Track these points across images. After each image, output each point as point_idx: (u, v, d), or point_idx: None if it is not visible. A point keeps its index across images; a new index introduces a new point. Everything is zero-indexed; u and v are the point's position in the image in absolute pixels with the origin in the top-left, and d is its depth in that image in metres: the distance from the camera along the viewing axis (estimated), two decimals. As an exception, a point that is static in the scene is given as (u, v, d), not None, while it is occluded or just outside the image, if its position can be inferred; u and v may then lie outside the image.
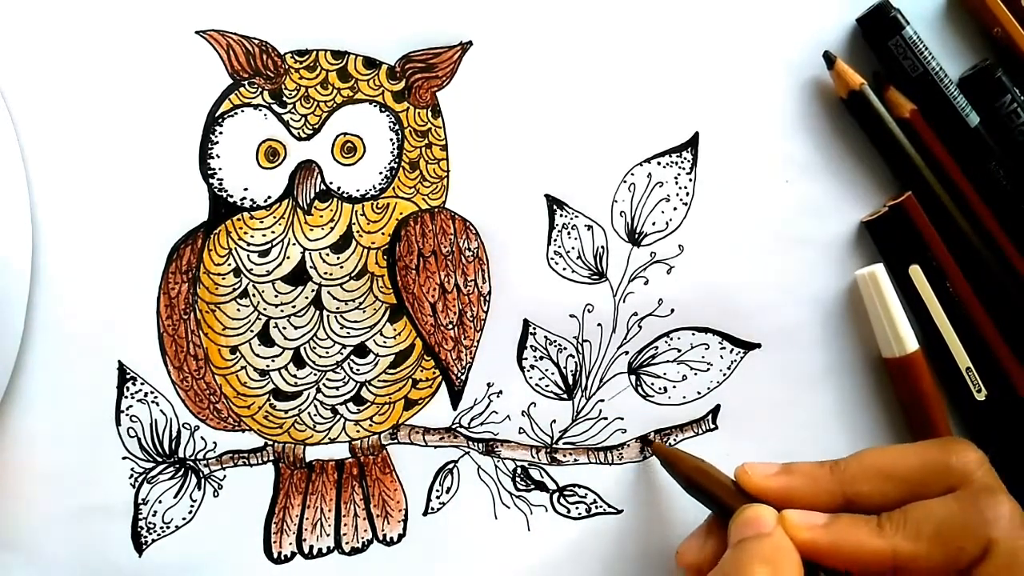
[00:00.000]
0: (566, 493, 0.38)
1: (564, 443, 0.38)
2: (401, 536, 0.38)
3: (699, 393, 0.38)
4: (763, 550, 0.31)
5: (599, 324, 0.38)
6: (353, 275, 0.37)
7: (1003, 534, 0.30)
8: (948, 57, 0.37)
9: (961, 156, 0.37)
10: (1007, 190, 0.37)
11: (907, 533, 0.31)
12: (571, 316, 0.38)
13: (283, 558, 0.37)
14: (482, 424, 0.38)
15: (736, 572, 0.30)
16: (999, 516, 0.30)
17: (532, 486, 0.38)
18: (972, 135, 0.37)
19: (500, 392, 0.38)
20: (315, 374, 0.37)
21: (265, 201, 0.37)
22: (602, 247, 0.38)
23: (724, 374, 0.38)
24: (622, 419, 0.38)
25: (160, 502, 0.37)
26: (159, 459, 0.37)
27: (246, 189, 0.37)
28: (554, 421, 0.38)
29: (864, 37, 0.37)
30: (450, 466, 0.38)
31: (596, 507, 0.38)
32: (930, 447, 0.33)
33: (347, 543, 0.38)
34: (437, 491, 0.38)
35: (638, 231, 0.38)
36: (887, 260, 0.38)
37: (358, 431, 0.38)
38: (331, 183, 0.37)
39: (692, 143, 0.38)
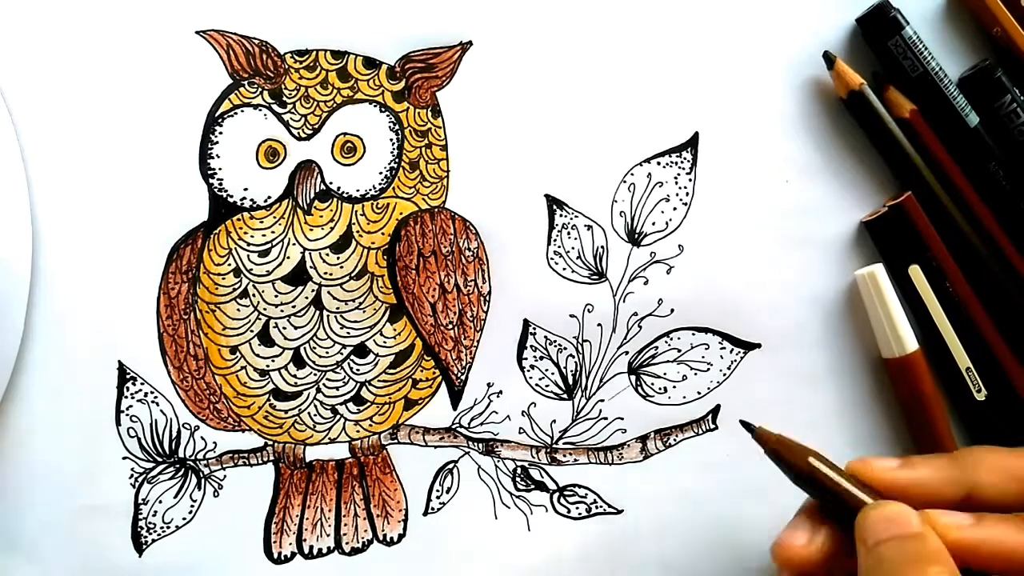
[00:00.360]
0: (566, 493, 0.38)
1: (564, 443, 0.38)
2: (401, 536, 0.38)
3: (699, 393, 0.38)
4: (923, 551, 0.29)
5: (599, 324, 0.38)
6: (353, 275, 0.37)
7: None
8: (948, 57, 0.37)
9: (961, 156, 0.37)
10: (1007, 190, 0.37)
11: None
12: (571, 316, 0.38)
13: (283, 558, 0.37)
14: (482, 424, 0.38)
15: (895, 570, 0.28)
16: None
17: (532, 486, 0.38)
18: (972, 135, 0.37)
19: (500, 392, 0.38)
20: (315, 374, 0.37)
21: (265, 201, 0.37)
22: (602, 247, 0.38)
23: (724, 374, 0.38)
24: (622, 419, 0.38)
25: (160, 502, 0.37)
26: (159, 459, 0.37)
27: (246, 189, 0.37)
28: (554, 421, 0.38)
29: (863, 37, 0.37)
30: (450, 466, 0.38)
31: (596, 507, 0.38)
32: None
33: (347, 543, 0.38)
34: (437, 491, 0.38)
35: (638, 231, 0.38)
36: (887, 260, 0.38)
37: (358, 431, 0.38)
38: (331, 183, 0.37)
39: (692, 143, 0.38)
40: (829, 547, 0.31)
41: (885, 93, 0.37)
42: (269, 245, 0.37)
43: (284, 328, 0.37)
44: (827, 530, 0.31)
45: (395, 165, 0.37)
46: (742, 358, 0.38)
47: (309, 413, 0.37)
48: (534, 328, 0.37)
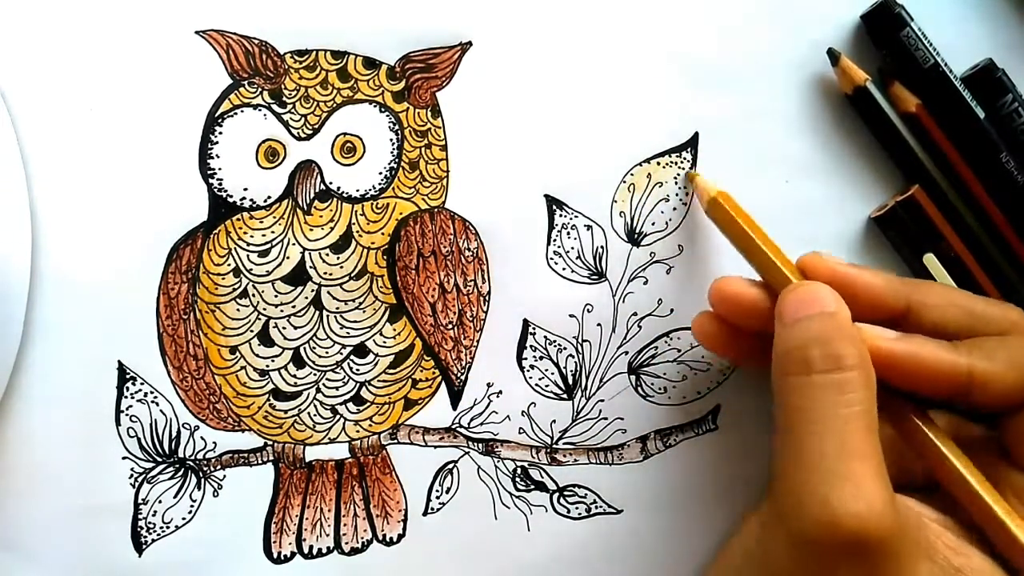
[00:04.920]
0: (566, 493, 0.38)
1: (564, 443, 0.38)
2: (401, 536, 0.38)
3: (699, 393, 0.38)
4: (831, 329, 0.29)
5: (599, 324, 0.38)
6: (353, 275, 0.37)
7: None
8: (948, 57, 0.37)
9: (970, 150, 0.37)
10: (1018, 183, 0.37)
11: (982, 355, 0.30)
12: (571, 316, 0.38)
13: (283, 558, 0.37)
14: (482, 424, 0.38)
15: (804, 350, 0.29)
16: None
17: (532, 486, 0.38)
18: (982, 127, 0.37)
19: (500, 392, 0.38)
20: (315, 374, 0.37)
21: (265, 201, 0.37)
22: (602, 247, 0.38)
23: (724, 374, 0.38)
24: (622, 419, 0.38)
25: (160, 502, 0.37)
26: (159, 459, 0.37)
27: (246, 189, 0.37)
28: (554, 421, 0.38)
29: (868, 33, 0.37)
30: (450, 466, 0.38)
31: (596, 507, 0.38)
32: (988, 299, 0.33)
33: (347, 543, 0.38)
34: (437, 491, 0.38)
35: (638, 231, 0.38)
36: (900, 253, 0.38)
37: (358, 431, 0.38)
38: (331, 183, 0.37)
39: (692, 143, 0.38)
40: (764, 303, 0.32)
41: (890, 89, 0.37)
42: (269, 245, 0.37)
43: (284, 328, 0.37)
44: (766, 292, 0.32)
45: (395, 165, 0.37)
46: (742, 358, 0.38)
47: (309, 413, 0.37)
48: (534, 328, 0.37)
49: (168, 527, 0.37)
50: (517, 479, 0.38)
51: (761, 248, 0.33)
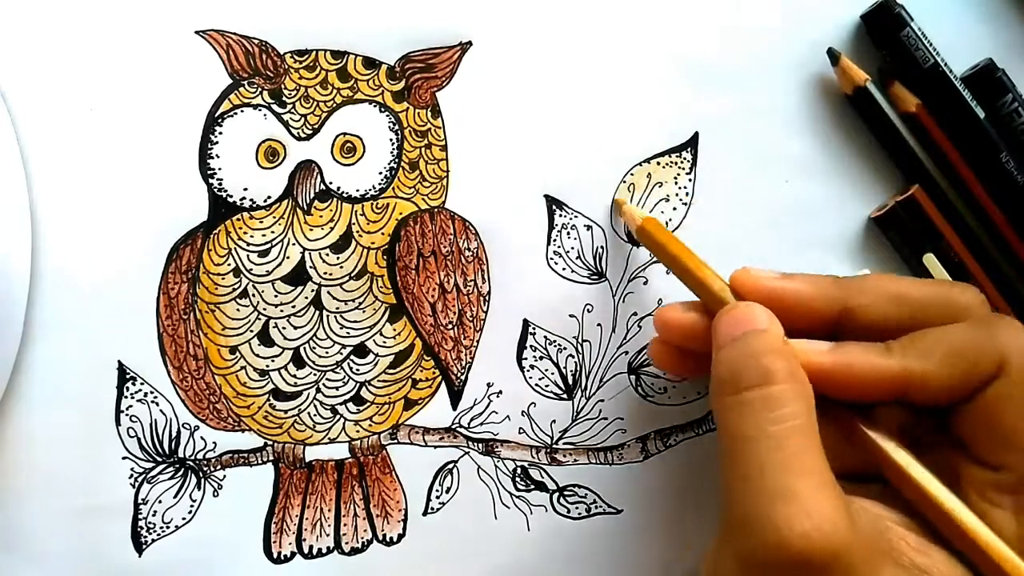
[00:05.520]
0: (566, 493, 0.38)
1: (564, 443, 0.38)
2: (401, 536, 0.38)
3: (699, 393, 0.38)
4: (762, 345, 0.29)
5: (599, 324, 0.38)
6: (353, 275, 0.37)
7: (1016, 350, 0.29)
8: (947, 57, 0.37)
9: (970, 149, 0.37)
10: (1018, 183, 0.37)
11: (918, 354, 0.29)
12: (571, 316, 0.38)
13: (283, 558, 0.37)
14: (482, 424, 0.38)
15: (733, 369, 0.29)
16: (1011, 335, 0.29)
17: (532, 486, 0.38)
18: (983, 127, 0.37)
19: (500, 392, 0.38)
20: (315, 374, 0.37)
21: (265, 201, 0.37)
22: (602, 247, 0.38)
23: (724, 374, 0.38)
24: (622, 419, 0.38)
25: (160, 502, 0.37)
26: (159, 459, 0.37)
27: (246, 189, 0.37)
28: (554, 421, 0.38)
29: (868, 33, 0.37)
30: (450, 466, 0.38)
31: (596, 507, 0.38)
32: (932, 282, 0.32)
33: (347, 543, 0.38)
34: (437, 491, 0.38)
35: (638, 231, 0.38)
36: (900, 253, 0.38)
37: (358, 431, 0.38)
38: (331, 183, 0.37)
39: (692, 143, 0.38)
40: (701, 325, 0.32)
41: (890, 89, 0.37)
42: (269, 245, 0.37)
43: (284, 328, 0.37)
44: (703, 314, 0.32)
45: (395, 165, 0.37)
46: (742, 358, 0.38)
47: (309, 413, 0.37)
48: (534, 328, 0.37)
49: (168, 527, 0.37)
50: (517, 479, 0.38)
51: (692, 271, 0.33)
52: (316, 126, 0.37)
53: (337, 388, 0.37)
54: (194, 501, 0.37)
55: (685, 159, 0.38)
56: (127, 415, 0.36)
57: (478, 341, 0.37)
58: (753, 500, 0.27)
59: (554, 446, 0.38)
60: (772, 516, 0.26)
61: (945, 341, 0.29)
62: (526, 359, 0.38)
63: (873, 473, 0.30)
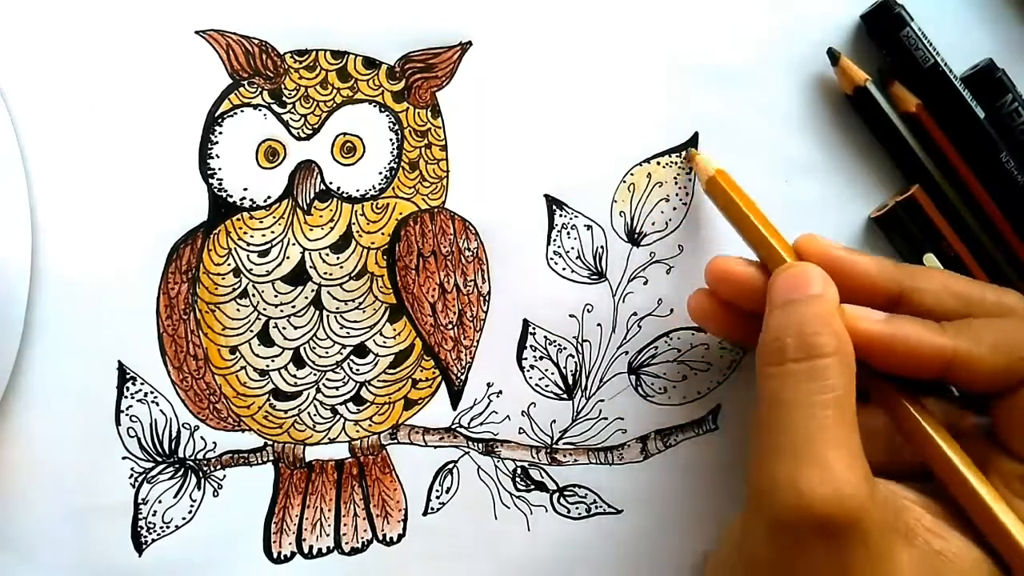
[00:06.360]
0: (566, 493, 0.38)
1: (564, 443, 0.38)
2: (401, 536, 0.38)
3: (699, 393, 0.38)
4: (812, 314, 0.29)
5: (599, 324, 0.38)
6: (353, 275, 0.37)
7: None
8: (947, 57, 0.37)
9: (970, 149, 0.37)
10: (1018, 183, 0.37)
11: (970, 337, 0.30)
12: (571, 316, 0.38)
13: (283, 558, 0.37)
14: (482, 424, 0.38)
15: (781, 338, 0.29)
16: None
17: (532, 486, 0.38)
18: (983, 127, 0.37)
19: (500, 392, 0.38)
20: (315, 374, 0.37)
21: (265, 201, 0.37)
22: (602, 247, 0.38)
23: (724, 374, 0.38)
24: (622, 419, 0.38)
25: (160, 502, 0.37)
26: (159, 459, 0.37)
27: (246, 189, 0.37)
28: (554, 421, 0.38)
29: (868, 33, 0.37)
30: (450, 466, 0.38)
31: (596, 507, 0.38)
32: (984, 283, 0.34)
33: (347, 543, 0.38)
34: (437, 491, 0.38)
35: (637, 231, 0.38)
36: (900, 253, 0.38)
37: (358, 431, 0.38)
38: (331, 183, 0.37)
39: (692, 143, 0.38)
40: (759, 281, 0.32)
41: (890, 89, 0.37)
42: (269, 245, 0.37)
43: (284, 328, 0.37)
44: (761, 271, 0.33)
45: (395, 165, 0.37)
46: (742, 358, 0.38)
47: (309, 413, 0.37)
48: (534, 328, 0.37)
49: (168, 527, 0.37)
50: (517, 479, 0.38)
51: (756, 227, 0.33)
52: (316, 126, 0.37)
53: (337, 388, 0.37)
54: (194, 501, 0.37)
55: (685, 159, 0.38)
56: (127, 415, 0.36)
57: (478, 341, 0.37)
58: (784, 464, 0.28)
59: (554, 446, 0.38)
60: (800, 479, 0.27)
61: (997, 330, 0.31)
62: (526, 359, 0.38)
63: (898, 469, 0.31)
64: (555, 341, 0.38)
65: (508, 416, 0.38)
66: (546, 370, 0.38)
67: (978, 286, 0.33)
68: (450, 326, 0.37)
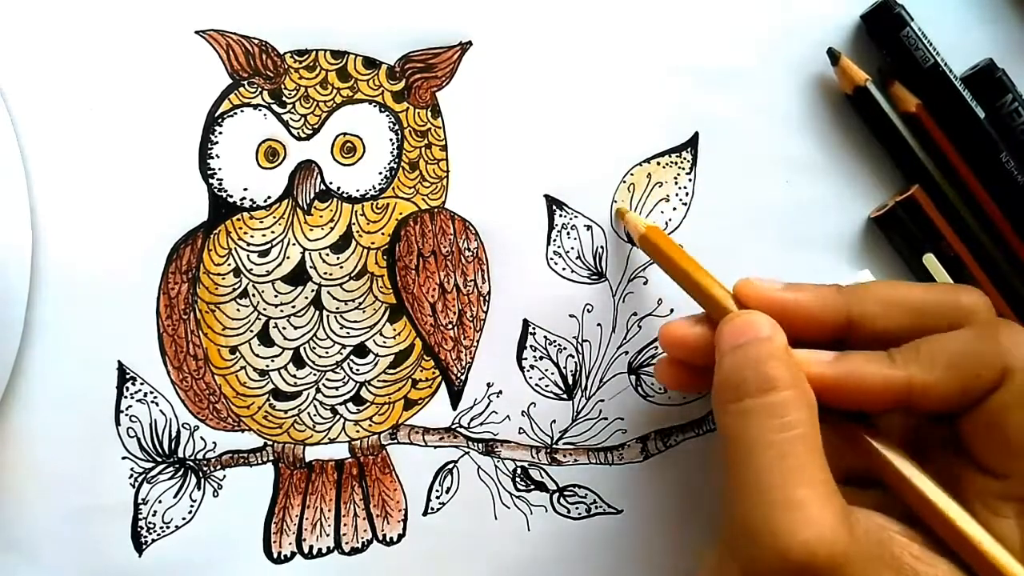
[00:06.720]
0: (566, 493, 0.38)
1: (564, 443, 0.38)
2: (401, 536, 0.38)
3: (699, 393, 0.38)
4: (765, 352, 0.29)
5: (599, 324, 0.38)
6: (353, 275, 0.37)
7: (1020, 358, 0.29)
8: (947, 57, 0.37)
9: (970, 149, 0.37)
10: (1018, 183, 0.37)
11: (921, 363, 0.29)
12: (571, 316, 0.38)
13: (283, 558, 0.37)
14: (482, 424, 0.38)
15: (737, 376, 0.29)
16: (1016, 342, 0.29)
17: (532, 486, 0.38)
18: (983, 127, 0.37)
19: (500, 392, 0.38)
20: (315, 374, 0.37)
21: (265, 201, 0.37)
22: (601, 247, 0.38)
23: (724, 374, 0.38)
24: (622, 419, 0.38)
25: (160, 502, 0.37)
26: (159, 459, 0.37)
27: (246, 189, 0.37)
28: (554, 421, 0.38)
29: (868, 33, 0.37)
30: (450, 466, 0.38)
31: (596, 507, 0.38)
32: (937, 286, 0.32)
33: (347, 543, 0.38)
34: (437, 491, 0.38)
35: (638, 231, 0.38)
36: (900, 253, 0.38)
37: (358, 431, 0.38)
38: (331, 183, 0.37)
39: (692, 143, 0.38)
40: (708, 338, 0.32)
41: (890, 89, 0.37)
42: (269, 245, 0.37)
43: (284, 328, 0.37)
44: (709, 327, 0.32)
45: (395, 165, 0.37)
46: (742, 358, 0.38)
47: (309, 413, 0.37)
48: (534, 328, 0.37)
49: (168, 527, 0.37)
50: (517, 479, 0.38)
51: (695, 281, 0.33)
52: (316, 126, 0.37)
53: (337, 388, 0.37)
54: (194, 501, 0.37)
55: (685, 159, 0.38)
56: (127, 415, 0.36)
57: (478, 341, 0.37)
58: (755, 508, 0.27)
59: (554, 446, 0.38)
60: (774, 524, 0.26)
61: (948, 349, 0.29)
62: (526, 359, 0.38)
63: (875, 478, 0.30)
64: (555, 341, 0.38)
65: (508, 416, 0.38)
66: (546, 370, 0.38)
67: (930, 292, 0.31)
68: (450, 326, 0.37)
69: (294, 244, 0.37)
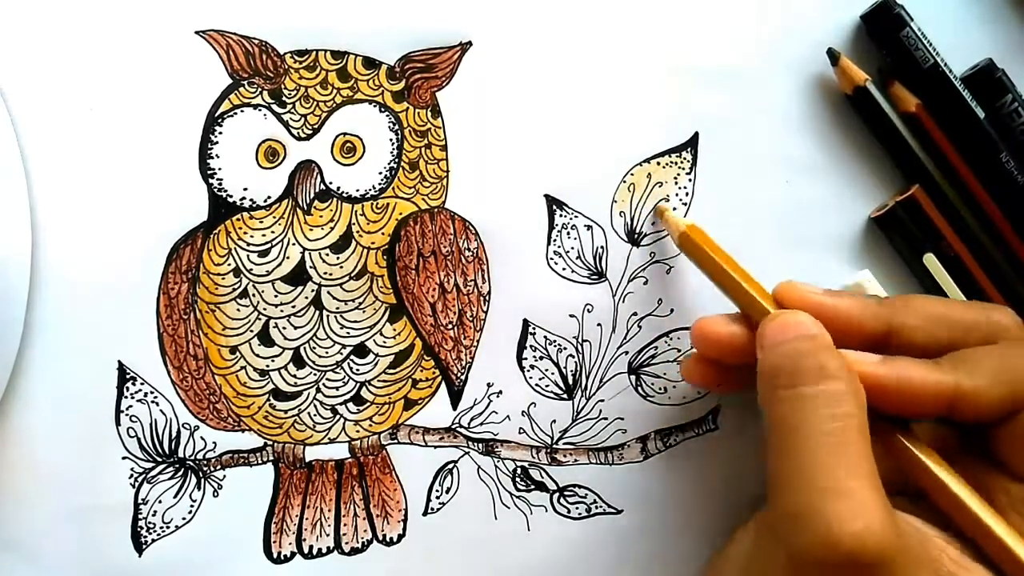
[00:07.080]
0: (566, 493, 0.38)
1: (564, 443, 0.38)
2: (401, 536, 0.38)
3: (699, 393, 0.38)
4: (815, 346, 0.29)
5: (599, 324, 0.38)
6: (353, 275, 0.37)
7: None
8: (947, 57, 0.37)
9: (970, 149, 0.37)
10: (1018, 183, 0.37)
11: (968, 371, 0.29)
12: (571, 316, 0.38)
13: (283, 558, 0.37)
14: (482, 424, 0.38)
15: (791, 363, 0.28)
16: None
17: (532, 486, 0.38)
18: (983, 127, 0.37)
19: (500, 392, 0.38)
20: (315, 374, 0.37)
21: (265, 201, 0.37)
22: (602, 247, 0.38)
23: (724, 374, 0.38)
24: (622, 419, 0.38)
25: (160, 502, 0.37)
26: (159, 459, 0.37)
27: (246, 189, 0.37)
28: (554, 421, 0.38)
29: (868, 33, 0.37)
30: (450, 466, 0.38)
31: (596, 507, 0.38)
32: (974, 304, 0.33)
33: (347, 543, 0.38)
34: (437, 491, 0.38)
35: (638, 231, 0.38)
36: (900, 253, 0.38)
37: (358, 431, 0.38)
38: (331, 183, 0.37)
39: (692, 143, 0.38)
40: (744, 337, 0.32)
41: (890, 89, 0.37)
42: (269, 245, 0.37)
43: (284, 328, 0.37)
44: (745, 326, 0.32)
45: (395, 165, 0.37)
46: (742, 358, 0.38)
47: (309, 413, 0.37)
48: (534, 328, 0.37)
49: (168, 527, 0.37)
50: (517, 479, 0.38)
51: (736, 280, 0.33)
52: (316, 126, 0.37)
53: (337, 388, 0.37)
54: (194, 501, 0.37)
55: (685, 159, 0.38)
56: (127, 415, 0.36)
57: (478, 341, 0.37)
58: (806, 495, 0.27)
59: (554, 446, 0.38)
60: (825, 512, 0.26)
61: (993, 359, 0.30)
62: (526, 359, 0.38)
63: (906, 488, 0.31)
64: (555, 341, 0.38)
65: (508, 416, 0.38)
66: (546, 370, 0.38)
67: (967, 308, 0.32)
68: (450, 326, 0.37)
69: (294, 244, 0.37)
